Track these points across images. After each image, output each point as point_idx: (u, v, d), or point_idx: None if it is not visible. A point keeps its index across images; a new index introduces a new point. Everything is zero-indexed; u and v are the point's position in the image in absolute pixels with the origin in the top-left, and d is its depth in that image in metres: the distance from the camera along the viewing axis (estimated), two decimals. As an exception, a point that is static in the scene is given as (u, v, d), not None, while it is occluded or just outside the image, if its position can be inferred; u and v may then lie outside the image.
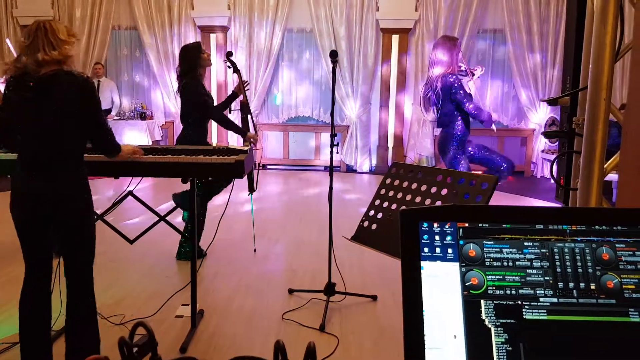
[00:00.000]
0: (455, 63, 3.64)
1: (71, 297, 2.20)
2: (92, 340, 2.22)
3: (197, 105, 3.80)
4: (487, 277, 0.72)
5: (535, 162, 8.52)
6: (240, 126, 4.16)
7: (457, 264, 0.73)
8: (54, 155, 2.07)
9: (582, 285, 0.72)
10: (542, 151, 8.26)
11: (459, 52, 3.66)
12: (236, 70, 4.11)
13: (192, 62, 3.80)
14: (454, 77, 3.59)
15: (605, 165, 1.59)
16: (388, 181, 2.31)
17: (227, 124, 4.04)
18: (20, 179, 2.09)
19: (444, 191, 2.04)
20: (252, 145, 3.99)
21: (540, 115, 8.29)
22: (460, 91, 3.63)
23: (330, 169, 3.15)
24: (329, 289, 3.06)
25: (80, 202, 2.14)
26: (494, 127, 4.02)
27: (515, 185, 7.56)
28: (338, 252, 3.25)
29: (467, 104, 3.63)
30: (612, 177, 2.53)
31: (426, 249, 0.73)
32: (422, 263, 0.72)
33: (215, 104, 4.10)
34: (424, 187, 2.11)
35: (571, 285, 0.72)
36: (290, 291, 3.31)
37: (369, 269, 3.73)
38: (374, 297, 3.20)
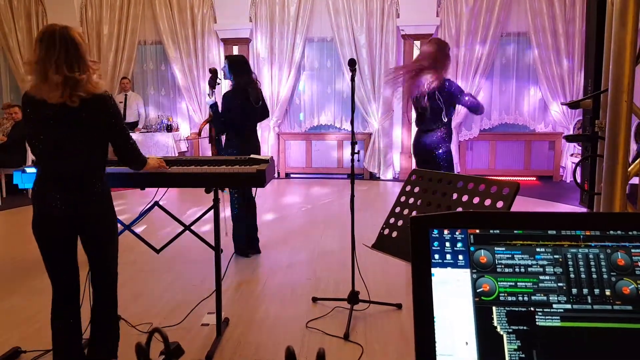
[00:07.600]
0: (446, 66, 3.80)
1: (95, 304, 2.28)
2: (111, 341, 2.32)
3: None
4: (499, 283, 0.72)
5: (564, 166, 8.31)
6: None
7: (468, 270, 0.73)
8: (76, 173, 2.06)
9: (596, 291, 0.71)
10: (572, 155, 8.05)
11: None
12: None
13: (243, 75, 4.02)
14: (445, 79, 3.75)
15: (629, 169, 1.55)
16: (408, 188, 2.30)
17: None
18: (43, 198, 2.06)
19: (465, 197, 2.02)
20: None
21: (569, 119, 8.10)
22: (455, 89, 3.73)
23: (352, 176, 3.16)
24: (353, 298, 3.06)
25: (103, 216, 2.17)
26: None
27: (542, 190, 7.40)
28: (361, 260, 3.24)
29: (464, 98, 3.72)
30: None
31: (437, 256, 0.73)
32: (433, 270, 0.73)
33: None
34: (444, 194, 2.09)
35: (585, 291, 0.71)
36: (314, 299, 3.31)
37: (393, 277, 3.71)
38: (399, 306, 3.17)
